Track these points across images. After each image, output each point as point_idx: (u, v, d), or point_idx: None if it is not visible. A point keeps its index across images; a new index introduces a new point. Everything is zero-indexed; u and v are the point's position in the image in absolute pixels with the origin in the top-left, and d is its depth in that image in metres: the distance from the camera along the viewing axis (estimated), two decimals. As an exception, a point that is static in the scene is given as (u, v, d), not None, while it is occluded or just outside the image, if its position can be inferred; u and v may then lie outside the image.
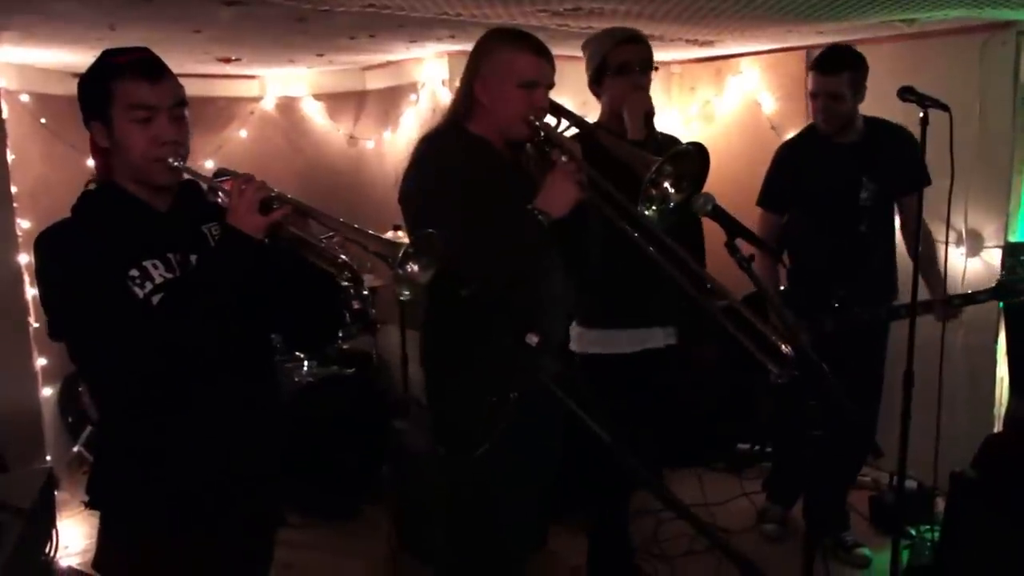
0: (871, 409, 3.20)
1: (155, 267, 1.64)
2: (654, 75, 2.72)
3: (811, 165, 3.11)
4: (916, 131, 2.61)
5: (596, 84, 2.72)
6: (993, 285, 3.04)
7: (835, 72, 2.97)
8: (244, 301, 1.62)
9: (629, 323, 2.77)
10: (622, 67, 2.61)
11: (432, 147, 2.09)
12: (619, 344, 2.76)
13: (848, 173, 3.06)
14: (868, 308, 3.07)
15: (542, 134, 2.05)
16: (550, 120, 2.09)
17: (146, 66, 1.62)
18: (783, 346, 1.71)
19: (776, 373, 1.73)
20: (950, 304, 3.01)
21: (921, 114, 2.58)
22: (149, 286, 1.61)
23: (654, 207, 1.93)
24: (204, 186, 1.76)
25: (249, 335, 1.75)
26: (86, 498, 1.73)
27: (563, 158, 2.05)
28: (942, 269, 3.19)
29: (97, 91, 1.62)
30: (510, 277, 1.95)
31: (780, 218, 3.23)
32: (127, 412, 1.66)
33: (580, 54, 2.81)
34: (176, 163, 1.63)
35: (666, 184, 1.94)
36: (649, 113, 2.56)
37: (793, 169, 3.16)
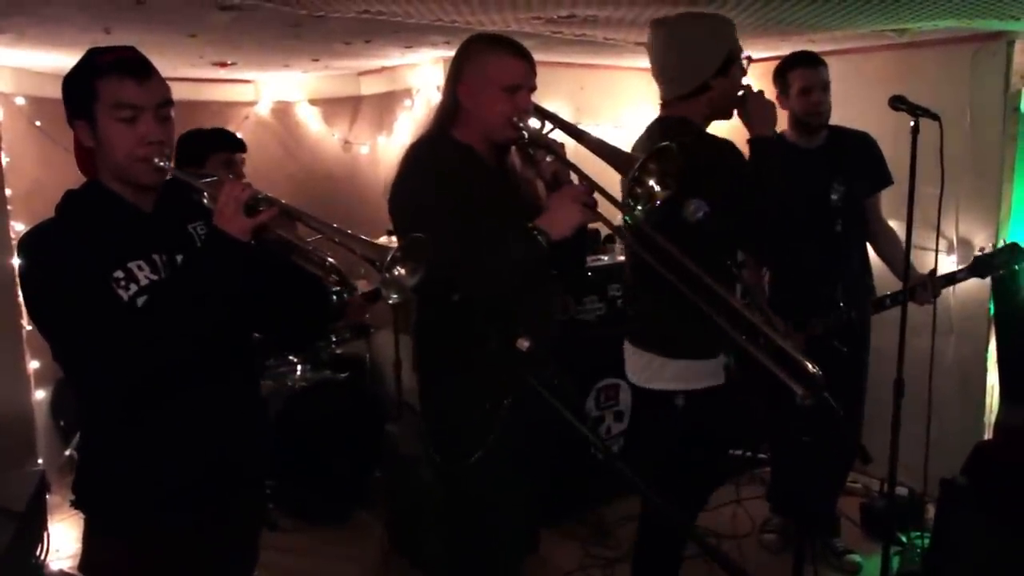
0: (856, 412, 3.22)
1: (140, 268, 1.63)
2: (648, 81, 2.69)
3: (783, 172, 3.15)
4: (907, 139, 2.63)
5: (721, 75, 2.43)
6: (970, 263, 3.09)
7: (822, 64, 3.12)
8: (230, 303, 1.62)
9: (684, 353, 2.49)
10: (740, 58, 2.46)
11: (420, 154, 2.10)
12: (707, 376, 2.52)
13: (818, 176, 3.15)
14: (854, 305, 3.11)
15: (526, 136, 2.07)
16: (534, 123, 2.10)
17: (132, 65, 1.61)
18: (810, 366, 1.69)
19: (801, 395, 1.70)
20: (931, 285, 3.01)
21: (912, 123, 2.60)
22: (134, 288, 1.61)
23: (639, 206, 1.93)
24: (190, 187, 1.75)
25: (234, 337, 1.75)
26: (73, 497, 1.74)
27: (548, 158, 2.07)
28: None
29: (82, 89, 1.61)
30: (502, 291, 1.95)
31: None
32: (111, 414, 1.66)
33: (574, 60, 2.80)
34: (161, 163, 1.63)
35: (651, 182, 1.94)
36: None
37: None
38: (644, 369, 2.56)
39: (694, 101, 2.45)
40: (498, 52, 2.07)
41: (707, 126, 2.53)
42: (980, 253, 3.09)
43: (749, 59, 2.51)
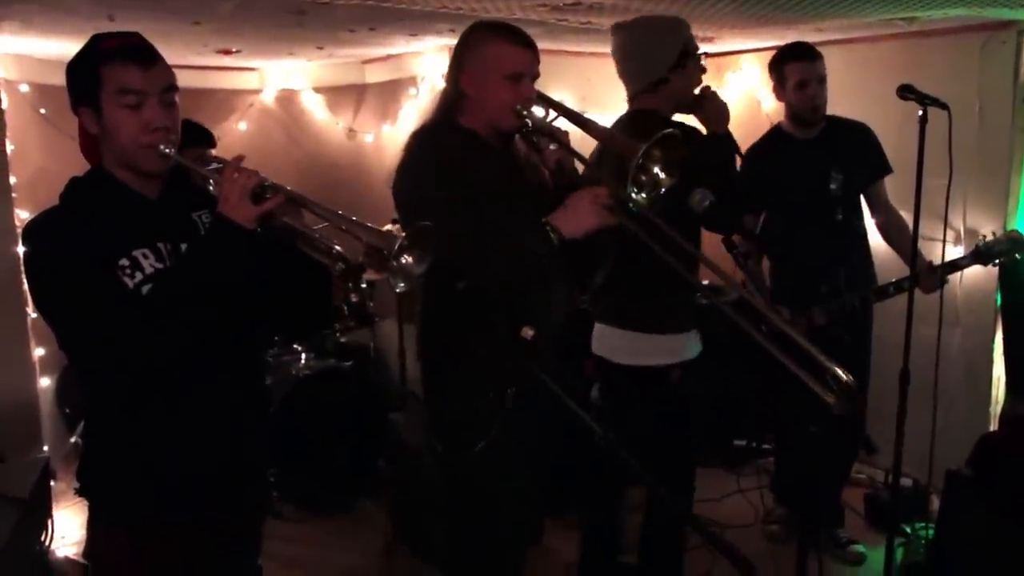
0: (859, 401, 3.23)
1: (145, 257, 1.63)
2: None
3: (782, 163, 3.22)
4: (915, 129, 2.62)
5: (679, 68, 2.58)
6: (972, 250, 3.12)
7: (818, 57, 3.15)
8: (235, 291, 1.61)
9: (674, 327, 2.62)
10: (696, 54, 2.62)
11: (425, 140, 2.09)
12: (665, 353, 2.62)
13: (816, 166, 3.19)
14: (856, 293, 3.15)
15: (530, 124, 2.06)
16: (538, 110, 2.09)
17: (136, 51, 1.60)
18: (844, 375, 1.68)
19: (836, 404, 1.68)
20: (935, 273, 3.04)
21: (920, 112, 2.59)
22: (139, 276, 1.61)
23: (644, 193, 1.93)
24: (195, 174, 1.74)
25: (238, 325, 1.75)
26: (77, 485, 1.74)
27: (551, 146, 2.05)
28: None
29: (86, 76, 1.60)
30: (509, 282, 1.94)
31: (757, 219, 3.32)
32: (116, 402, 1.66)
33: (579, 49, 2.81)
34: (167, 150, 1.62)
35: (655, 169, 1.93)
36: None
37: (764, 169, 3.24)
38: (626, 346, 2.63)
39: (657, 94, 2.60)
40: (500, 40, 2.05)
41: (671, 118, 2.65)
42: (982, 241, 3.09)
43: (706, 55, 2.68)
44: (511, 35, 2.06)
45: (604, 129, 2.05)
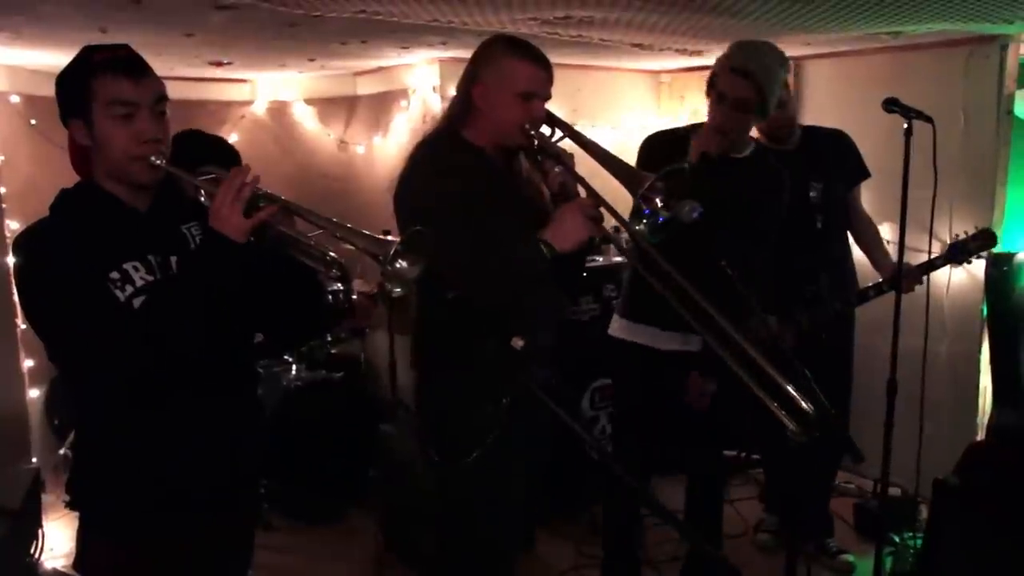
0: (842, 407, 3.25)
1: (135, 269, 1.62)
2: (645, 83, 2.71)
3: None
4: (901, 142, 2.65)
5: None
6: (947, 249, 3.15)
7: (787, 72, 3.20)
8: (227, 303, 1.61)
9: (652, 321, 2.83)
10: (720, 96, 2.65)
11: (429, 152, 2.10)
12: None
13: (796, 175, 3.18)
14: (838, 298, 3.19)
15: (536, 144, 2.06)
16: (545, 130, 2.10)
17: (127, 63, 1.61)
18: (804, 404, 1.70)
19: (794, 431, 1.70)
20: (912, 274, 3.07)
21: (905, 125, 2.63)
22: (130, 289, 1.60)
23: (645, 222, 1.94)
24: (187, 185, 1.74)
25: (231, 336, 1.75)
26: (67, 497, 1.74)
27: (556, 168, 2.06)
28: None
29: (77, 88, 1.60)
30: (500, 294, 1.96)
31: None
32: (108, 414, 1.66)
33: (570, 62, 2.81)
34: (158, 161, 1.62)
35: (657, 200, 1.95)
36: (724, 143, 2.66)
37: None
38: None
39: None
40: (518, 57, 2.05)
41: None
42: (955, 240, 3.13)
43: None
44: (529, 53, 2.06)
45: (609, 155, 2.05)
